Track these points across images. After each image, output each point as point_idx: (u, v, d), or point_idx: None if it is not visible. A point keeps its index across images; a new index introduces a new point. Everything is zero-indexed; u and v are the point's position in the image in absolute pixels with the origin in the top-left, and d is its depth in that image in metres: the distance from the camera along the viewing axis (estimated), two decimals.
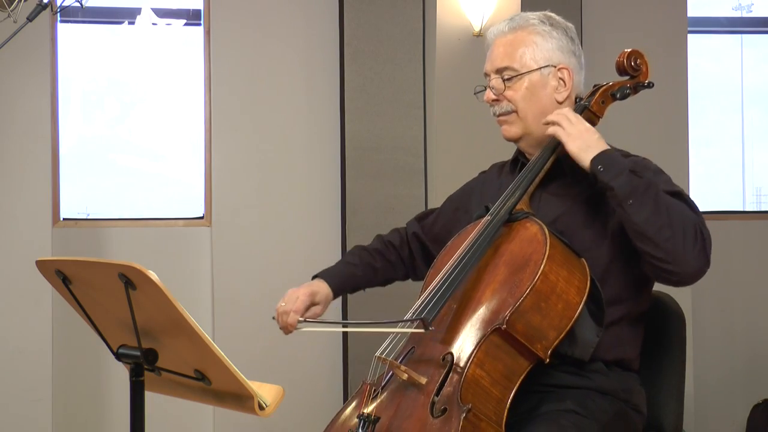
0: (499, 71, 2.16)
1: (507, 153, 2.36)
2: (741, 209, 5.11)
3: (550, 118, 2.04)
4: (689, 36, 4.75)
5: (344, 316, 4.39)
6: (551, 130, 2.02)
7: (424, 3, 4.35)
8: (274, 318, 2.28)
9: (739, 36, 5.21)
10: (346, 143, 4.35)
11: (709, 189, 5.04)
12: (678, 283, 1.97)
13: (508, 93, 2.14)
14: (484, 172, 2.40)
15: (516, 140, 2.19)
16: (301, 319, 2.23)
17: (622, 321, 2.05)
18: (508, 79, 2.14)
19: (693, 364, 4.49)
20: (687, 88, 4.69)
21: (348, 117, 4.34)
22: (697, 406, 4.62)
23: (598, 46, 4.50)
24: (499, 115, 2.17)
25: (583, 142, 1.98)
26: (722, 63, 5.21)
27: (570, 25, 2.21)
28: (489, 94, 2.18)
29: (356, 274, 2.39)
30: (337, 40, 4.44)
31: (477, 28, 4.18)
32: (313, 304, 2.28)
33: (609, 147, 1.99)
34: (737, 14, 5.16)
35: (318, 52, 4.50)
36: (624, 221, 1.94)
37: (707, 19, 5.10)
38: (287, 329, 2.26)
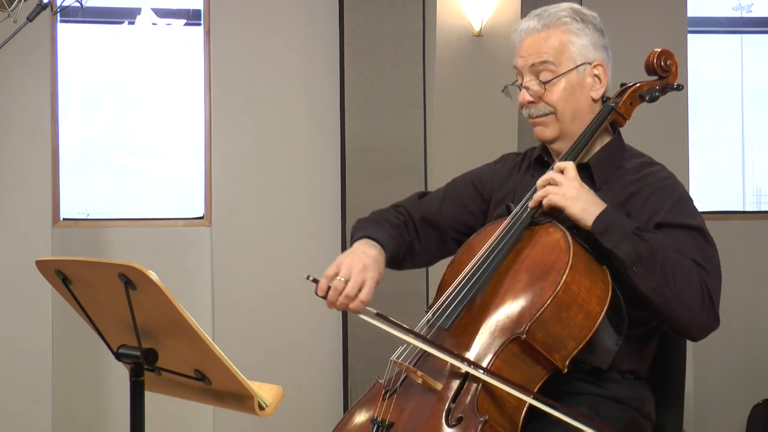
0: (534, 67, 2.07)
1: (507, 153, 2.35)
2: (741, 209, 5.11)
3: (539, 195, 1.93)
4: (689, 36, 4.74)
5: (344, 315, 4.39)
6: (546, 202, 1.92)
7: (424, 3, 4.35)
8: (311, 279, 1.94)
9: (739, 36, 5.20)
10: (346, 143, 4.34)
11: (709, 189, 5.04)
12: (686, 338, 2.00)
13: (546, 95, 2.06)
14: (495, 163, 2.30)
15: (551, 142, 2.12)
16: (371, 310, 1.94)
17: (637, 335, 2.02)
18: (546, 82, 2.06)
19: (693, 364, 4.49)
20: (687, 88, 4.69)
21: (348, 117, 4.34)
22: (697, 406, 4.62)
23: None
24: (535, 117, 2.10)
25: (584, 203, 1.90)
26: (722, 63, 5.21)
27: (596, 15, 2.13)
28: (525, 96, 2.09)
29: (399, 252, 2.14)
30: (337, 40, 4.44)
31: (477, 28, 4.18)
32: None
33: (604, 204, 1.92)
34: (737, 14, 5.16)
35: (318, 52, 4.49)
36: (628, 285, 1.88)
37: (707, 19, 5.10)
38: (341, 308, 1.96)
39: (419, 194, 2.32)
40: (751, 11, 5.14)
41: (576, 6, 2.13)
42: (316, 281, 1.95)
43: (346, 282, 1.94)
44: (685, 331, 1.92)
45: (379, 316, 1.90)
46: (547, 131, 2.10)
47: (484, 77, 4.13)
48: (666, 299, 1.86)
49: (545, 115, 2.09)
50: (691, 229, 1.96)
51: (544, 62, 2.06)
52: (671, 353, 2.19)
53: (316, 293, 1.97)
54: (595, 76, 2.09)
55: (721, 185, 5.16)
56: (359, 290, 1.95)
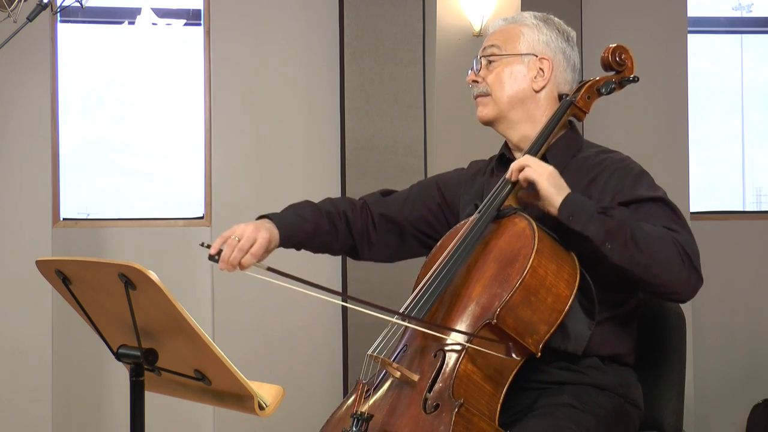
0: (485, 50, 2.19)
1: None
2: (741, 209, 5.11)
3: (515, 165, 1.99)
4: (689, 36, 4.74)
5: (344, 315, 4.39)
6: (522, 175, 1.97)
7: (424, 3, 4.35)
8: (204, 245, 2.06)
9: (739, 36, 5.20)
10: (346, 143, 4.35)
11: (709, 189, 5.04)
12: (677, 302, 2.06)
13: (486, 74, 2.17)
14: (462, 169, 2.38)
15: (490, 123, 2.21)
16: (261, 264, 2.05)
17: (614, 318, 2.06)
18: (490, 62, 2.17)
19: (693, 364, 4.49)
20: (687, 88, 4.69)
21: (348, 117, 4.34)
22: (697, 406, 4.62)
23: (598, 46, 4.48)
24: (476, 96, 2.20)
25: (554, 181, 1.95)
26: (722, 63, 5.21)
27: (571, 31, 2.23)
28: (470, 74, 2.21)
29: (306, 230, 2.26)
30: (337, 40, 4.44)
31: (477, 28, 4.18)
32: (266, 251, 2.13)
33: (568, 189, 1.96)
34: (737, 14, 5.16)
35: (318, 52, 4.50)
36: (606, 262, 1.92)
37: (707, 19, 5.10)
38: (232, 268, 2.06)
39: (383, 191, 2.39)
40: (751, 11, 5.15)
41: (550, 15, 2.22)
42: (209, 246, 2.07)
43: (239, 241, 2.07)
44: (674, 294, 1.95)
45: (271, 270, 2.00)
46: (484, 110, 2.19)
47: None
48: (645, 267, 1.89)
49: (484, 95, 2.18)
50: (654, 200, 2.01)
51: (492, 45, 2.18)
52: (670, 348, 2.20)
53: (210, 256, 2.06)
54: (540, 69, 2.16)
55: (721, 185, 5.15)
56: (251, 246, 2.08)
